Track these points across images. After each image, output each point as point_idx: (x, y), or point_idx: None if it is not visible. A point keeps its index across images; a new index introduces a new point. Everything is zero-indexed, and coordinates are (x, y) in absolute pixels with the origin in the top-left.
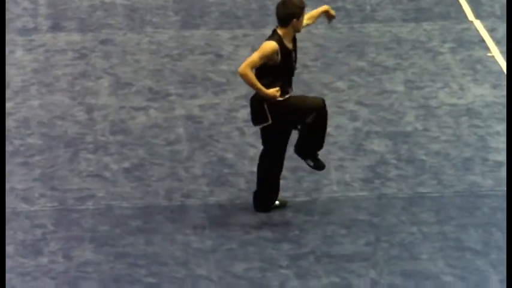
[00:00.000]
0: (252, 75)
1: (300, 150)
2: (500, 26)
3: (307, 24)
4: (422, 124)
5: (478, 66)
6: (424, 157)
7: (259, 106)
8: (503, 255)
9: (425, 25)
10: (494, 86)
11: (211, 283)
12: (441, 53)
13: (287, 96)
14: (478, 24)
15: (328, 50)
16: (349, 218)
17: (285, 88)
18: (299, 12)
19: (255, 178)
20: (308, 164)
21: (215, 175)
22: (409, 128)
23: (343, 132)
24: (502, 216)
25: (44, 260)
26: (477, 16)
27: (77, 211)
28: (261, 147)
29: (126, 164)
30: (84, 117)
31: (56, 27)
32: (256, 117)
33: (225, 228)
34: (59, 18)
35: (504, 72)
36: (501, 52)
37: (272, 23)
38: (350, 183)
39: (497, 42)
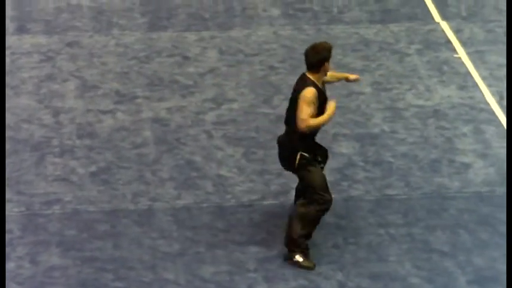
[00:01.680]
0: (313, 121)
1: (287, 239)
2: (466, 27)
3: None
4: (389, 126)
5: (445, 68)
6: (391, 159)
7: (292, 155)
8: (471, 257)
9: (392, 26)
10: (461, 88)
11: (178, 287)
12: (408, 55)
13: (319, 162)
14: (445, 26)
15: (295, 52)
16: (324, 220)
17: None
18: (329, 56)
19: (222, 181)
20: (296, 260)
21: (182, 178)
22: (376, 130)
23: None
24: (469, 217)
25: (11, 265)
26: (443, 17)
27: (43, 216)
28: (228, 150)
29: (93, 168)
30: (51, 121)
31: (21, 30)
32: (287, 163)
33: (192, 231)
34: (25, 20)
35: (470, 74)
36: (467, 53)
37: (239, 24)
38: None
39: (464, 44)
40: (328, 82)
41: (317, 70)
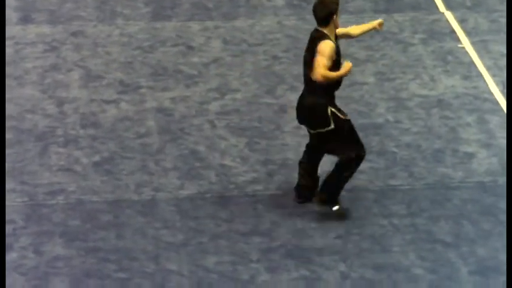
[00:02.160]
0: (330, 73)
1: (324, 186)
2: (471, 17)
3: (353, 36)
4: (393, 116)
5: (449, 58)
6: (395, 149)
7: (323, 111)
8: (474, 247)
9: (397, 16)
10: (465, 77)
11: (181, 277)
12: (412, 45)
13: (348, 117)
14: (449, 15)
15: (300, 42)
16: (320, 211)
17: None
18: (337, 8)
19: (226, 171)
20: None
21: (186, 168)
22: (380, 120)
23: None
24: (472, 208)
25: (14, 255)
26: (448, 7)
27: (47, 206)
28: (231, 140)
29: (97, 158)
30: (55, 111)
31: (25, 20)
32: (319, 122)
33: (195, 221)
34: (29, 10)
35: (474, 63)
36: (472, 43)
37: (243, 14)
38: (321, 176)
39: (468, 34)
40: (354, 36)
41: (327, 24)
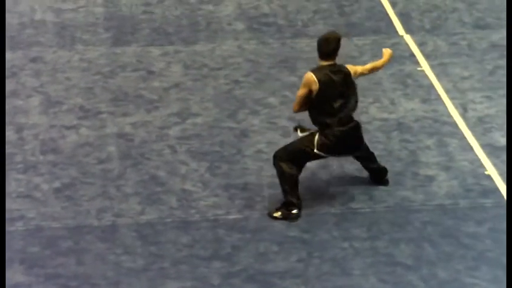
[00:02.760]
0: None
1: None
2: (430, 40)
3: (364, 74)
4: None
5: (409, 81)
6: (355, 172)
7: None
8: (435, 270)
9: (357, 40)
10: (424, 101)
11: None
12: None
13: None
14: (408, 39)
15: (260, 66)
16: (282, 234)
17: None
18: (340, 45)
19: (187, 196)
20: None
21: (147, 193)
22: None
23: (276, 148)
24: (433, 230)
25: None
26: (407, 31)
27: (6, 232)
28: (192, 164)
29: (57, 184)
30: (14, 137)
31: None
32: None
33: (156, 246)
34: None
35: (434, 86)
36: (431, 66)
37: (204, 38)
38: (282, 200)
39: (427, 57)
40: (362, 75)
41: (327, 59)
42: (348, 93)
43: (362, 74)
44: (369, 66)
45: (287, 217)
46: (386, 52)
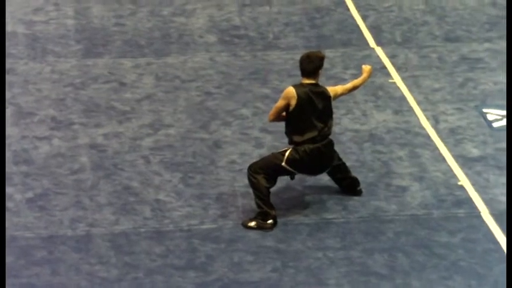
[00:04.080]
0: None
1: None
2: (401, 52)
3: (344, 94)
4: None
5: (380, 93)
6: (329, 183)
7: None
8: (408, 280)
9: (328, 52)
10: (396, 112)
11: None
12: (344, 80)
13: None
14: (380, 51)
15: (232, 78)
16: (256, 244)
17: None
18: (323, 64)
19: (160, 206)
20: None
21: (120, 204)
22: None
23: (249, 159)
24: (406, 240)
25: None
26: (378, 43)
27: None
28: (166, 175)
29: (30, 194)
30: None
31: None
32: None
33: (130, 256)
34: None
35: (405, 98)
36: (402, 78)
37: (176, 50)
38: (256, 210)
39: (398, 69)
40: (342, 95)
41: (309, 76)
42: (325, 117)
43: (342, 94)
44: (349, 85)
45: (262, 227)
46: (366, 68)
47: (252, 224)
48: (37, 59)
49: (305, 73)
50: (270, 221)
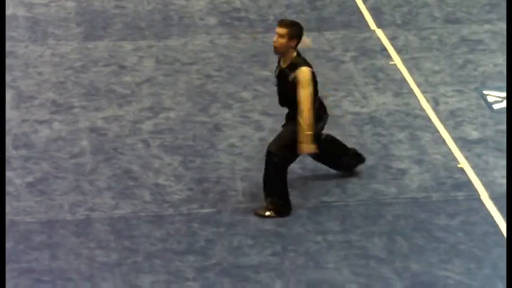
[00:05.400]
0: None
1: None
2: (401, 34)
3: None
4: (326, 133)
5: (380, 75)
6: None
7: None
8: (408, 263)
9: (328, 34)
10: (396, 94)
11: None
12: (344, 62)
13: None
14: (380, 33)
15: (232, 60)
16: (256, 228)
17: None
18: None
19: (160, 190)
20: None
21: (120, 188)
22: None
23: (249, 142)
24: (405, 223)
25: None
26: (379, 25)
27: None
28: (165, 158)
29: (30, 179)
30: None
31: None
32: None
33: (130, 241)
34: None
35: (406, 80)
36: (402, 60)
37: (176, 33)
38: (256, 194)
39: (399, 51)
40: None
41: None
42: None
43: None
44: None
45: (279, 215)
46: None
47: (269, 213)
48: (37, 42)
49: (298, 43)
50: (287, 209)
